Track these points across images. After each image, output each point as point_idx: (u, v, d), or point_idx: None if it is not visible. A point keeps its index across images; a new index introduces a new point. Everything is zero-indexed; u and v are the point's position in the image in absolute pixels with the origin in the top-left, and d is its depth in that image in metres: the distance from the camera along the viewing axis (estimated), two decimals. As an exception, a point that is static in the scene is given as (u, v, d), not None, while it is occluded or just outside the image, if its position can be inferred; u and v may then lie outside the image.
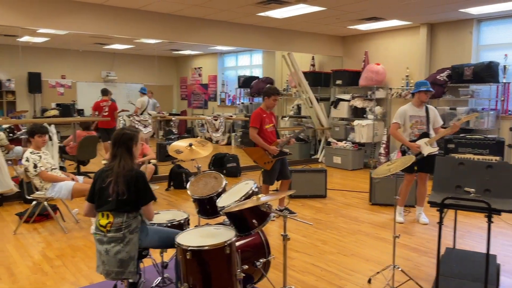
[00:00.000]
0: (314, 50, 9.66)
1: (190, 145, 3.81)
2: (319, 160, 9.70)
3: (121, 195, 2.70)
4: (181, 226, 3.15)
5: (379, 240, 4.60)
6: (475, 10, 6.91)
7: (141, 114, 9.19)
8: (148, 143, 8.55)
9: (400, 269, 3.45)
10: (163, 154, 8.90)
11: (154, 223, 3.04)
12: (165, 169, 7.59)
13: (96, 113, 8.70)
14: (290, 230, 4.85)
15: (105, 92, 8.85)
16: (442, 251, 3.59)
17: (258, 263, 2.99)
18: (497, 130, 7.30)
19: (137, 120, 7.28)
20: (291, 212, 5.51)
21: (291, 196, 6.28)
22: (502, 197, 2.74)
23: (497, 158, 6.62)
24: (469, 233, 4.82)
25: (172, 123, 8.25)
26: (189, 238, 2.72)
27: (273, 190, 6.02)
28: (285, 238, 2.84)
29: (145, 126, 7.30)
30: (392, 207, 5.86)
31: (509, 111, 7.27)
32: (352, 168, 8.80)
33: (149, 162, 5.99)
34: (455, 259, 3.45)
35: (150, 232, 2.86)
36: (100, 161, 7.70)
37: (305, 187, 6.36)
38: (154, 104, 10.68)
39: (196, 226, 3.09)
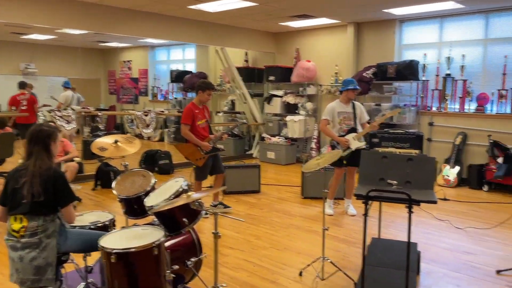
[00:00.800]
0: (247, 46, 9.67)
1: (116, 141, 3.61)
2: (254, 156, 9.75)
3: (37, 196, 2.49)
4: (106, 228, 2.97)
5: (311, 232, 4.71)
6: (397, 11, 7.29)
7: (65, 109, 8.62)
8: (72, 140, 8.05)
9: (329, 260, 3.54)
10: (89, 152, 8.41)
11: (76, 226, 2.84)
12: (91, 168, 7.20)
13: (13, 108, 8.02)
14: (223, 227, 4.80)
15: (22, 85, 8.21)
16: (369, 241, 3.75)
17: (189, 263, 2.91)
18: (417, 125, 7.80)
19: (59, 116, 6.80)
20: (225, 206, 5.47)
21: (225, 192, 6.24)
22: (421, 188, 2.90)
23: (417, 151, 7.07)
24: (393, 222, 5.09)
25: (98, 119, 7.83)
26: (114, 240, 2.57)
27: (206, 187, 5.94)
28: (216, 236, 2.78)
29: (68, 122, 6.85)
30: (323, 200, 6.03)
31: (428, 107, 7.79)
32: (286, 163, 8.95)
33: (72, 160, 5.64)
34: (380, 248, 3.62)
35: (70, 235, 2.67)
36: (18, 160, 7.12)
37: (239, 183, 6.35)
38: (78, 99, 10.07)
39: (122, 227, 2.94)
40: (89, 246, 2.71)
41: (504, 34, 6.95)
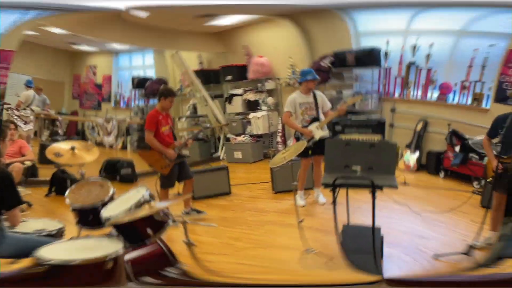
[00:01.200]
0: (196, 47, 9.48)
1: (73, 148, 3.41)
2: (221, 158, 9.60)
3: None
4: (52, 237, 2.75)
5: (287, 226, 4.60)
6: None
7: (24, 109, 8.12)
8: (30, 142, 7.62)
9: (314, 252, 3.51)
10: (45, 156, 7.97)
11: (18, 232, 2.62)
12: (47, 172, 6.64)
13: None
14: (198, 234, 4.58)
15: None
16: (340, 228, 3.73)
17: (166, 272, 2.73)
18: (380, 111, 7.80)
19: (16, 115, 6.41)
20: (198, 212, 5.29)
21: (193, 198, 6.05)
22: (383, 173, 2.91)
23: (379, 136, 7.14)
24: (360, 208, 5.04)
25: (58, 123, 7.42)
26: (57, 251, 2.34)
27: (173, 194, 5.76)
28: (189, 244, 2.64)
29: (25, 123, 6.46)
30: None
31: (390, 94, 7.83)
32: (253, 161, 8.85)
33: (23, 163, 5.33)
34: (350, 235, 3.61)
35: (9, 240, 2.48)
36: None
37: (208, 187, 6.14)
38: (43, 101, 9.52)
39: (71, 238, 2.75)
40: (22, 251, 2.48)
41: (476, 27, 6.68)
